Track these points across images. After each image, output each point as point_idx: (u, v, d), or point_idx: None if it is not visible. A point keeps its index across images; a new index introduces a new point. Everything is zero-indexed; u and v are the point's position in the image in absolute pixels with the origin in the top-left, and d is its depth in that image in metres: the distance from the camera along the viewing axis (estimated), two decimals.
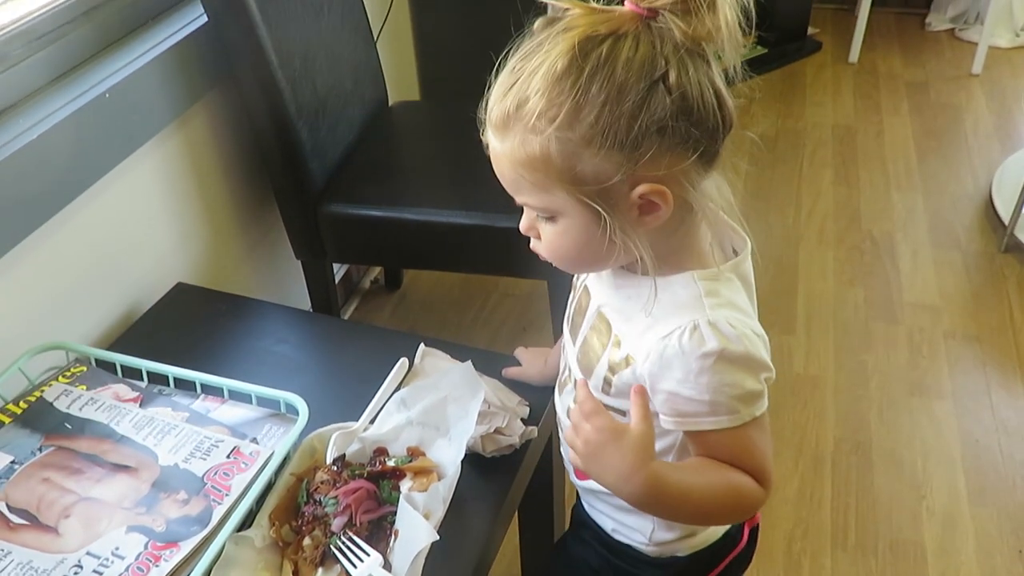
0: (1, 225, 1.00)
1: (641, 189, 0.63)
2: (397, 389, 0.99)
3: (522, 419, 0.97)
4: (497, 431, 0.95)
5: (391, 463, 0.90)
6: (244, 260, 1.51)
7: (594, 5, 0.63)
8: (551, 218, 0.68)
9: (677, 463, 0.75)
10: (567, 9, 0.62)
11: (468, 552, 0.86)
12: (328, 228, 1.46)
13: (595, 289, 0.78)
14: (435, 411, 0.94)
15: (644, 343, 0.69)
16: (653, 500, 0.68)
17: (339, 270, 1.90)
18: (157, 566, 0.79)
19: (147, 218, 1.28)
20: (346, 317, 1.94)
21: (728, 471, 0.70)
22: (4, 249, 1.01)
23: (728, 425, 0.68)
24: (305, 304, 1.61)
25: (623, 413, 0.73)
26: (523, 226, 0.72)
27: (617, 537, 0.87)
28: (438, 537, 0.79)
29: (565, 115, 0.61)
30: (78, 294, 1.14)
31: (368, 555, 0.81)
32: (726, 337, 0.66)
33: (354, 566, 0.80)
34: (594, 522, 0.89)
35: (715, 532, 0.85)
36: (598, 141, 0.61)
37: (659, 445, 0.74)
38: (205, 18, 1.28)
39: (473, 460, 0.94)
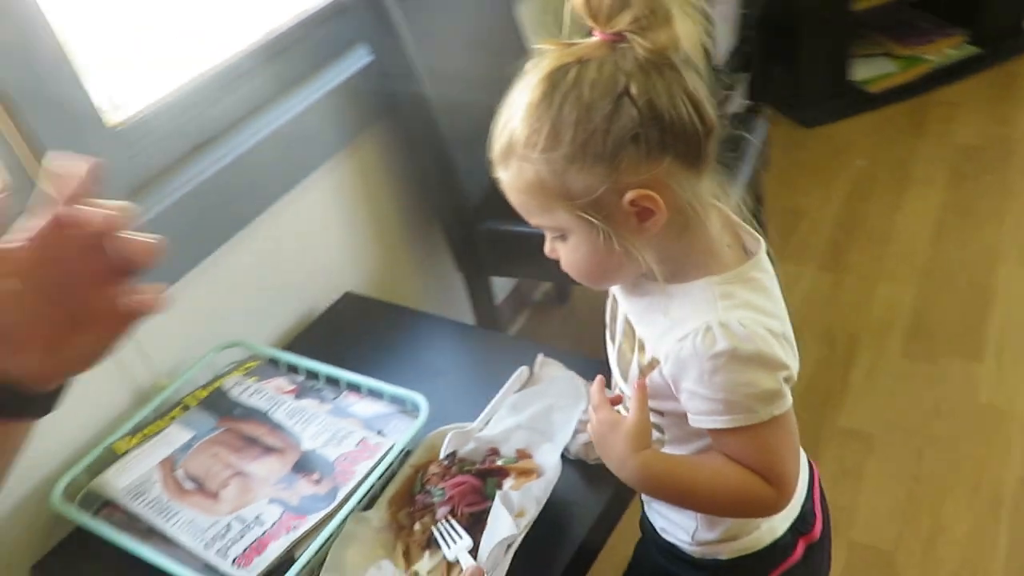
0: (200, 236, 1.20)
1: (630, 196, 0.66)
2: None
3: None
4: None
5: (500, 462, 0.98)
6: (410, 274, 1.66)
7: (566, 40, 0.68)
8: (563, 237, 0.73)
9: (678, 455, 0.80)
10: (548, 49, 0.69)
11: (562, 553, 0.92)
12: (485, 243, 1.57)
13: (620, 298, 0.82)
14: (542, 417, 1.01)
15: (664, 346, 0.73)
16: (650, 485, 0.77)
17: (508, 284, 2.00)
18: (287, 533, 0.92)
19: (322, 233, 1.45)
20: (514, 330, 2.04)
21: (734, 468, 0.72)
22: (201, 257, 1.20)
23: (744, 423, 0.70)
24: (468, 316, 1.73)
25: (662, 414, 0.78)
26: (547, 249, 0.77)
27: (665, 536, 0.89)
28: (516, 531, 0.85)
29: (545, 139, 0.66)
30: (260, 299, 1.33)
31: (460, 539, 0.89)
32: (737, 336, 0.68)
33: (448, 547, 0.89)
34: (649, 522, 0.93)
35: (759, 539, 0.84)
36: (579, 157, 0.66)
37: (700, 444, 0.78)
38: (371, 57, 1.43)
39: (579, 467, 1.00)
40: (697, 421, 0.73)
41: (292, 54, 1.41)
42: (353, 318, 1.39)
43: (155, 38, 1.26)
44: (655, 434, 0.79)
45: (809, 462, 0.91)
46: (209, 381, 1.18)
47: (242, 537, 0.93)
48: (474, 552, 0.89)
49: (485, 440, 1.01)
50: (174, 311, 1.17)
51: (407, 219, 1.63)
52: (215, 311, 1.26)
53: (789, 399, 0.71)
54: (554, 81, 0.66)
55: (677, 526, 0.87)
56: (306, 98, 1.37)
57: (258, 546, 0.91)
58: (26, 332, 0.52)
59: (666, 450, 0.81)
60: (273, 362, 1.20)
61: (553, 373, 1.09)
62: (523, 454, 1.00)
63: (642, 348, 0.78)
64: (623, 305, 0.82)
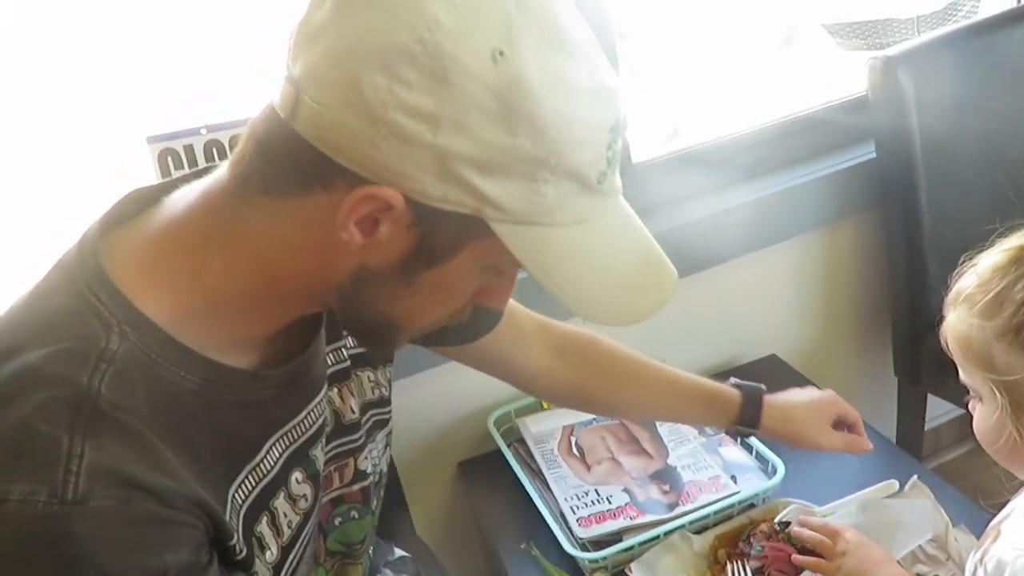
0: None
1: None
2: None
3: None
4: None
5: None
6: (841, 361, 1.69)
7: None
8: (979, 399, 0.73)
9: None
10: None
11: None
12: (929, 358, 1.53)
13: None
14: (886, 528, 1.03)
15: (1005, 549, 0.71)
16: None
17: (955, 409, 1.88)
18: (619, 519, 1.11)
19: (772, 294, 1.58)
20: (944, 459, 1.91)
21: None
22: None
23: None
24: (891, 426, 1.68)
25: None
26: (968, 403, 0.76)
27: None
28: None
29: (986, 303, 0.67)
30: (696, 330, 1.51)
31: None
32: None
33: None
34: None
35: None
36: (1010, 336, 0.66)
37: None
38: (874, 155, 1.50)
39: None
40: None
41: (806, 135, 1.55)
42: (768, 378, 1.47)
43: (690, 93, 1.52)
44: None
45: None
46: None
47: (592, 505, 1.14)
48: None
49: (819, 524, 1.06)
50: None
51: (860, 309, 1.66)
52: (653, 333, 1.47)
53: None
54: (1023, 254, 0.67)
55: None
56: (804, 175, 1.51)
57: (599, 517, 1.12)
58: None
59: None
60: None
61: (919, 496, 1.09)
62: None
63: (996, 539, 0.76)
64: (1019, 495, 0.79)
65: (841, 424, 1.05)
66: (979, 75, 1.46)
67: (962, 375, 0.73)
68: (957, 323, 0.71)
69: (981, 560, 0.75)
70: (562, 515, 1.15)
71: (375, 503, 0.87)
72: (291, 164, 0.56)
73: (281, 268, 0.60)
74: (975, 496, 1.12)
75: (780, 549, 1.03)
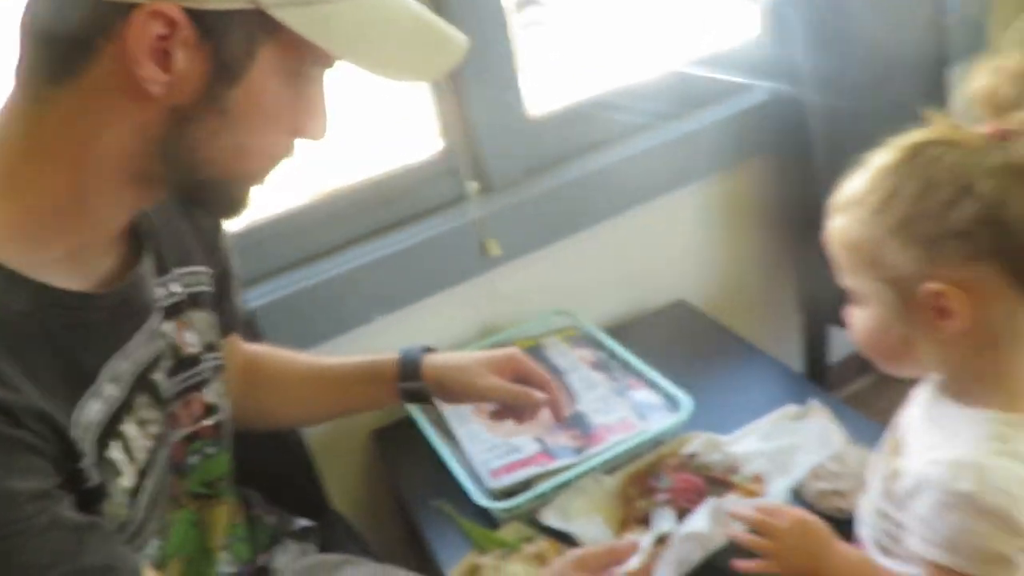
0: (569, 217, 1.42)
1: (934, 287, 0.65)
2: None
3: None
4: (837, 493, 1.00)
5: (733, 479, 1.05)
6: (748, 303, 1.72)
7: (956, 122, 0.68)
8: (860, 303, 0.73)
9: (870, 565, 0.78)
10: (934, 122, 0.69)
11: None
12: (830, 293, 1.55)
13: (912, 400, 0.80)
14: (787, 452, 1.05)
15: (916, 461, 0.71)
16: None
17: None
18: (530, 467, 1.11)
19: (676, 240, 1.59)
20: (850, 390, 1.97)
21: None
22: (564, 235, 1.43)
23: (959, 569, 0.67)
24: (796, 360, 1.72)
25: (896, 524, 0.75)
26: (847, 311, 0.77)
27: None
28: (705, 530, 0.92)
29: (878, 202, 0.67)
30: (600, 283, 1.52)
31: (666, 523, 0.98)
32: (986, 484, 0.64)
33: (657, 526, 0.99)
34: None
35: None
36: (901, 232, 0.66)
37: (917, 571, 0.74)
38: (768, 96, 1.52)
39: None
40: (915, 545, 0.71)
41: (699, 81, 1.56)
42: (676, 322, 1.52)
43: (581, 44, 1.51)
44: (885, 541, 0.78)
45: None
46: (535, 335, 1.41)
47: (504, 456, 1.14)
48: None
49: (729, 455, 1.08)
50: (529, 272, 1.44)
51: (762, 251, 1.69)
52: (561, 282, 1.49)
53: (1018, 570, 0.66)
54: (915, 152, 0.67)
55: None
56: (701, 121, 1.52)
57: (511, 467, 1.11)
58: None
59: (891, 562, 0.79)
60: (587, 335, 1.39)
61: (817, 418, 1.11)
62: (757, 479, 1.05)
63: (899, 452, 0.77)
64: (911, 408, 0.80)
65: (525, 382, 1.01)
66: (866, 8, 1.49)
67: (848, 280, 0.73)
68: (845, 226, 0.71)
69: (892, 476, 0.76)
70: (474, 470, 1.14)
71: (228, 440, 0.87)
72: (64, 29, 0.57)
73: (97, 153, 0.61)
74: (879, 421, 1.16)
75: (688, 480, 1.04)
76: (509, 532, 1.05)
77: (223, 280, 0.89)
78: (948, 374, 0.71)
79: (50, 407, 0.59)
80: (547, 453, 1.13)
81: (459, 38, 0.69)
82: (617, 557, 0.90)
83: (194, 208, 0.74)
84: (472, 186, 1.35)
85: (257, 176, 0.68)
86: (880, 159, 0.69)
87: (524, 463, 1.12)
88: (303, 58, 0.63)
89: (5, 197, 0.60)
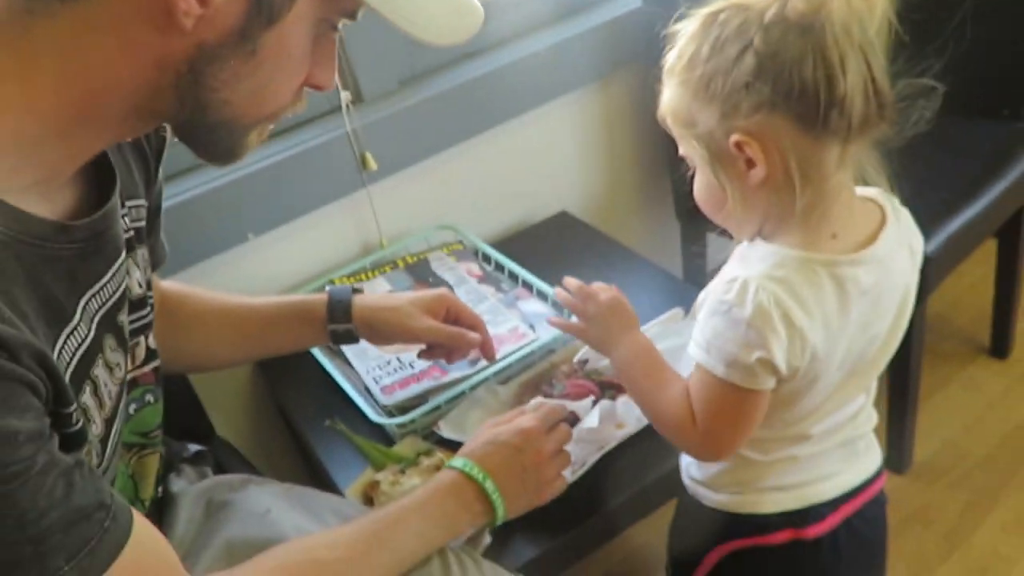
0: (448, 129, 1.38)
1: (734, 138, 0.70)
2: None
3: None
4: None
5: None
6: (630, 212, 1.74)
7: None
8: (694, 164, 0.78)
9: (655, 356, 0.89)
10: None
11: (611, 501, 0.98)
12: None
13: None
14: (675, 352, 1.07)
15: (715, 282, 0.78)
16: (630, 363, 0.89)
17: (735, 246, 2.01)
18: (423, 381, 1.10)
19: (554, 153, 1.58)
20: None
21: (684, 394, 0.80)
22: (442, 147, 1.39)
23: (705, 366, 0.76)
24: (677, 268, 1.78)
25: None
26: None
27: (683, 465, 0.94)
28: (596, 423, 0.95)
29: (683, 68, 0.72)
30: (484, 197, 1.50)
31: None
32: (745, 298, 0.71)
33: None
34: None
35: (739, 503, 0.86)
36: (702, 93, 0.71)
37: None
38: (639, 4, 1.51)
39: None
40: (689, 345, 0.79)
41: None
42: (560, 234, 1.52)
43: None
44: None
45: (872, 483, 0.89)
46: (419, 251, 1.38)
47: (396, 372, 1.12)
48: None
49: None
50: (410, 187, 1.40)
51: (640, 159, 1.71)
52: (443, 197, 1.45)
53: (761, 383, 0.74)
54: (712, 18, 0.71)
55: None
56: (573, 29, 1.49)
57: (404, 383, 1.10)
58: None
59: None
60: (473, 250, 1.38)
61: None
62: None
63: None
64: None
65: (456, 322, 1.03)
66: None
67: (680, 146, 0.78)
68: (667, 96, 0.75)
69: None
70: (366, 388, 1.12)
71: (162, 387, 0.83)
72: None
73: (102, 81, 0.55)
74: None
75: (581, 385, 1.06)
76: (405, 447, 1.04)
77: (155, 215, 0.83)
78: (758, 221, 0.75)
79: (39, 346, 0.54)
80: (439, 367, 1.12)
81: (478, 6, 0.70)
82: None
83: (191, 148, 0.67)
84: (345, 95, 1.29)
85: (266, 122, 0.65)
86: (686, 29, 0.73)
87: (417, 377, 1.10)
88: (334, 7, 0.62)
89: None
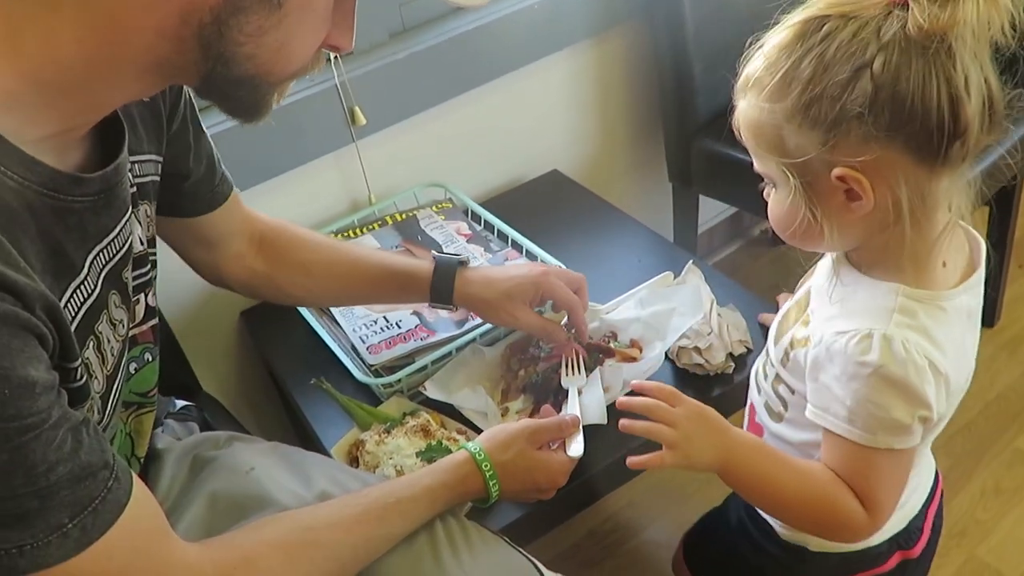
0: (439, 84, 1.36)
1: (838, 172, 0.63)
2: None
3: (733, 355, 1.05)
4: (696, 349, 1.04)
5: (612, 344, 1.07)
6: (622, 172, 1.73)
7: None
8: (773, 185, 0.71)
9: (768, 448, 0.78)
10: None
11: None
12: (702, 160, 1.58)
13: (819, 269, 0.80)
14: (661, 317, 1.07)
15: (823, 331, 0.71)
16: (735, 467, 0.75)
17: (726, 211, 2.00)
18: (410, 342, 1.09)
19: (547, 110, 1.56)
20: (719, 257, 2.05)
21: (830, 476, 0.71)
22: (434, 103, 1.37)
23: (858, 441, 0.69)
24: (668, 230, 1.76)
25: (792, 392, 0.78)
26: (764, 190, 0.74)
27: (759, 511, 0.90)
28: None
29: (774, 86, 0.64)
30: (474, 154, 1.48)
31: (579, 374, 1.01)
32: (892, 356, 0.65)
33: (567, 375, 1.02)
34: None
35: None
36: (799, 117, 0.63)
37: (806, 436, 0.77)
38: None
39: (675, 373, 1.06)
40: (815, 415, 0.72)
41: None
42: (551, 193, 1.51)
43: None
44: (778, 407, 0.80)
45: (937, 477, 0.88)
46: (408, 209, 1.36)
47: (382, 332, 1.11)
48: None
49: (607, 322, 1.10)
50: (399, 143, 1.38)
51: (633, 119, 1.69)
52: (432, 153, 1.43)
53: (916, 439, 0.69)
54: (808, 29, 0.63)
55: None
56: None
57: (390, 343, 1.09)
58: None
59: (781, 428, 0.81)
60: (463, 208, 1.36)
61: (692, 282, 1.14)
62: (635, 344, 1.07)
63: (806, 323, 0.76)
64: (816, 277, 0.79)
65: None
66: None
67: (756, 163, 0.71)
68: (748, 109, 0.68)
69: (794, 344, 0.77)
70: (353, 347, 1.11)
71: (158, 346, 0.83)
72: None
73: (126, 31, 0.54)
74: (744, 286, 1.21)
75: (568, 346, 1.05)
76: (390, 407, 1.04)
77: (200, 160, 0.86)
78: (858, 251, 0.71)
79: (52, 298, 0.53)
80: (426, 327, 1.11)
81: None
82: (564, 432, 0.91)
83: (216, 103, 0.66)
84: None
85: (290, 78, 0.64)
86: (775, 37, 0.66)
87: (404, 337, 1.10)
88: None
89: (8, 63, 0.53)
